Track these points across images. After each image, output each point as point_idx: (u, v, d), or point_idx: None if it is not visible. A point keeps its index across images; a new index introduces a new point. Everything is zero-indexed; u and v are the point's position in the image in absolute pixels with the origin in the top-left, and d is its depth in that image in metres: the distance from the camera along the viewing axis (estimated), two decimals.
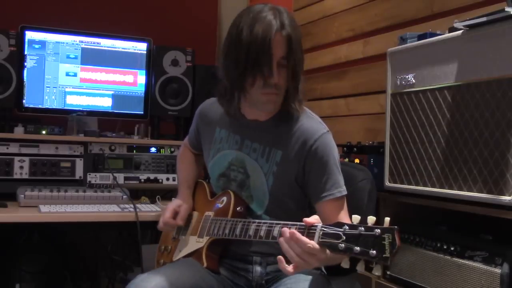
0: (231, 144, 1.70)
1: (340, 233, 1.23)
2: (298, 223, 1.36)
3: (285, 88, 1.57)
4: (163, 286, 1.47)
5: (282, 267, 1.31)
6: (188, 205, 1.82)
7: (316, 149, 1.58)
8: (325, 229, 1.27)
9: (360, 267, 1.22)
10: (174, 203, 1.82)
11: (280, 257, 1.31)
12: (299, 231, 1.30)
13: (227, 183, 1.71)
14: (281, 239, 1.32)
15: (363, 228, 1.20)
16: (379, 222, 1.21)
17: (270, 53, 1.47)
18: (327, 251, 1.29)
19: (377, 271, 1.20)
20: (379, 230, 1.18)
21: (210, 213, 1.72)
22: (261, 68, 1.49)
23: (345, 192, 1.60)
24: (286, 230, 1.31)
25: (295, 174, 1.61)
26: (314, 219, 1.34)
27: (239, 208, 1.64)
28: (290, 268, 1.30)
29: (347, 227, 1.23)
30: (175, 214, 1.79)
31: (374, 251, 1.17)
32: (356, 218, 1.24)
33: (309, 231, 1.30)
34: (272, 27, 1.48)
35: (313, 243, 1.27)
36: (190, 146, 1.96)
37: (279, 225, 1.42)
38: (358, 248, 1.19)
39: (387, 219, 1.19)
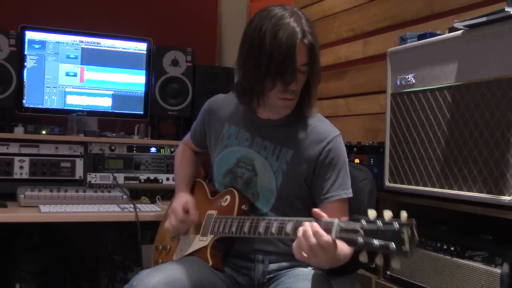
0: (241, 141, 1.70)
1: (358, 227, 1.23)
2: (311, 218, 1.36)
3: (300, 93, 1.59)
4: (166, 281, 1.48)
5: (295, 252, 1.32)
6: (192, 201, 1.79)
7: (329, 151, 1.61)
8: (342, 225, 1.27)
9: (379, 261, 1.21)
10: (179, 202, 1.77)
11: (295, 244, 1.33)
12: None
13: (233, 180, 1.71)
14: (301, 230, 1.32)
15: (381, 223, 1.20)
16: (395, 216, 1.21)
17: (294, 60, 1.49)
18: (338, 248, 1.30)
19: (395, 264, 1.19)
20: (397, 224, 1.18)
21: (213, 212, 1.71)
22: (284, 74, 1.49)
23: (350, 195, 1.62)
24: (309, 225, 1.31)
25: (305, 174, 1.62)
26: (322, 212, 1.34)
27: (244, 206, 1.65)
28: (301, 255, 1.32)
29: (364, 222, 1.23)
30: (186, 212, 1.75)
31: (394, 245, 1.16)
32: (373, 214, 1.23)
33: (325, 226, 1.30)
34: (296, 34, 1.49)
35: (329, 237, 1.27)
36: (193, 143, 1.93)
37: (292, 221, 1.42)
38: (377, 242, 1.18)
39: (404, 213, 1.19)
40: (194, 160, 1.95)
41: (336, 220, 1.29)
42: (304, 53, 1.52)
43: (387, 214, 1.21)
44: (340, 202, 1.60)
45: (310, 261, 1.33)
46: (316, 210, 1.35)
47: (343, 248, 1.34)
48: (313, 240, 1.28)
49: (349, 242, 1.25)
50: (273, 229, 1.47)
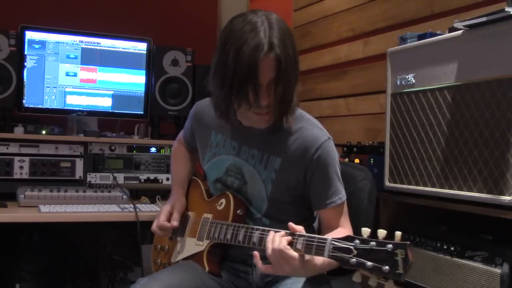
0: (228, 149, 1.67)
1: (352, 247, 1.22)
2: (307, 234, 1.36)
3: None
4: None
5: (255, 261, 1.37)
6: (180, 204, 1.79)
7: (318, 157, 1.55)
8: (335, 243, 1.26)
9: (372, 282, 1.21)
10: (167, 205, 1.79)
11: (256, 252, 1.37)
12: (307, 244, 1.33)
13: (224, 188, 1.70)
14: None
15: (374, 243, 1.19)
16: (390, 235, 1.21)
17: (256, 79, 1.41)
18: (313, 259, 1.33)
19: (390, 286, 1.18)
20: (391, 245, 1.17)
21: (209, 216, 1.69)
22: (247, 94, 1.42)
23: (344, 198, 1.60)
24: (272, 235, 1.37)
25: (295, 182, 1.58)
26: (299, 227, 1.37)
27: (239, 211, 1.62)
28: (263, 266, 1.37)
29: (358, 242, 1.22)
30: (170, 216, 1.76)
31: (387, 267, 1.16)
32: (366, 231, 1.22)
33: (318, 244, 1.30)
34: (260, 48, 1.39)
35: (289, 248, 1.32)
36: (185, 143, 1.92)
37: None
38: (370, 264, 1.18)
39: (398, 233, 1.18)
40: (189, 158, 1.92)
41: (329, 239, 1.28)
42: (271, 67, 1.41)
43: (381, 233, 1.20)
44: (336, 207, 1.58)
45: (279, 274, 1.38)
46: (290, 224, 1.37)
47: (319, 259, 1.35)
48: (275, 250, 1.33)
49: (341, 261, 1.24)
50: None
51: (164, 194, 2.66)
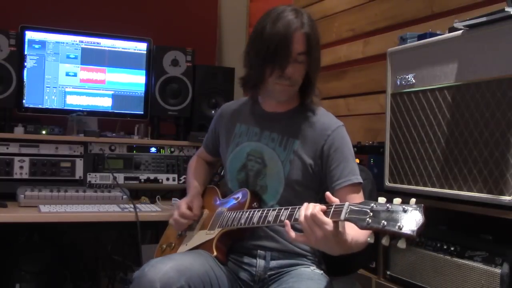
0: (250, 136, 1.77)
1: (368, 209, 1.26)
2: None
3: (301, 83, 1.69)
4: (178, 269, 1.50)
5: (287, 229, 1.39)
6: (199, 199, 1.86)
7: (333, 139, 1.68)
8: (352, 207, 1.30)
9: (385, 241, 1.23)
10: (185, 199, 1.86)
11: (287, 220, 1.40)
12: (324, 208, 1.35)
13: (245, 175, 1.76)
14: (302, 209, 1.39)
15: (389, 206, 1.24)
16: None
17: (289, 47, 1.59)
18: (345, 234, 1.35)
19: (401, 244, 1.21)
20: (406, 206, 1.22)
21: (223, 209, 1.75)
22: (278, 60, 1.60)
23: (361, 180, 1.67)
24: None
25: (312, 163, 1.68)
26: (335, 198, 1.38)
27: (255, 203, 1.69)
28: (294, 233, 1.38)
29: (374, 205, 1.26)
30: (190, 208, 1.81)
31: (401, 224, 1.19)
32: (383, 199, 1.27)
33: (335, 209, 1.34)
34: (293, 24, 1.60)
35: (322, 214, 1.33)
36: (205, 150, 2.01)
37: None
38: (385, 222, 1.22)
39: (413, 199, 1.23)
40: (206, 168, 2.03)
41: (347, 203, 1.33)
42: (301, 42, 1.61)
43: (397, 200, 1.25)
44: (352, 187, 1.64)
45: (310, 242, 1.37)
46: (328, 194, 1.39)
47: (353, 234, 1.39)
48: (307, 216, 1.35)
49: (357, 222, 1.27)
50: (283, 217, 1.48)
51: (164, 194, 2.67)
